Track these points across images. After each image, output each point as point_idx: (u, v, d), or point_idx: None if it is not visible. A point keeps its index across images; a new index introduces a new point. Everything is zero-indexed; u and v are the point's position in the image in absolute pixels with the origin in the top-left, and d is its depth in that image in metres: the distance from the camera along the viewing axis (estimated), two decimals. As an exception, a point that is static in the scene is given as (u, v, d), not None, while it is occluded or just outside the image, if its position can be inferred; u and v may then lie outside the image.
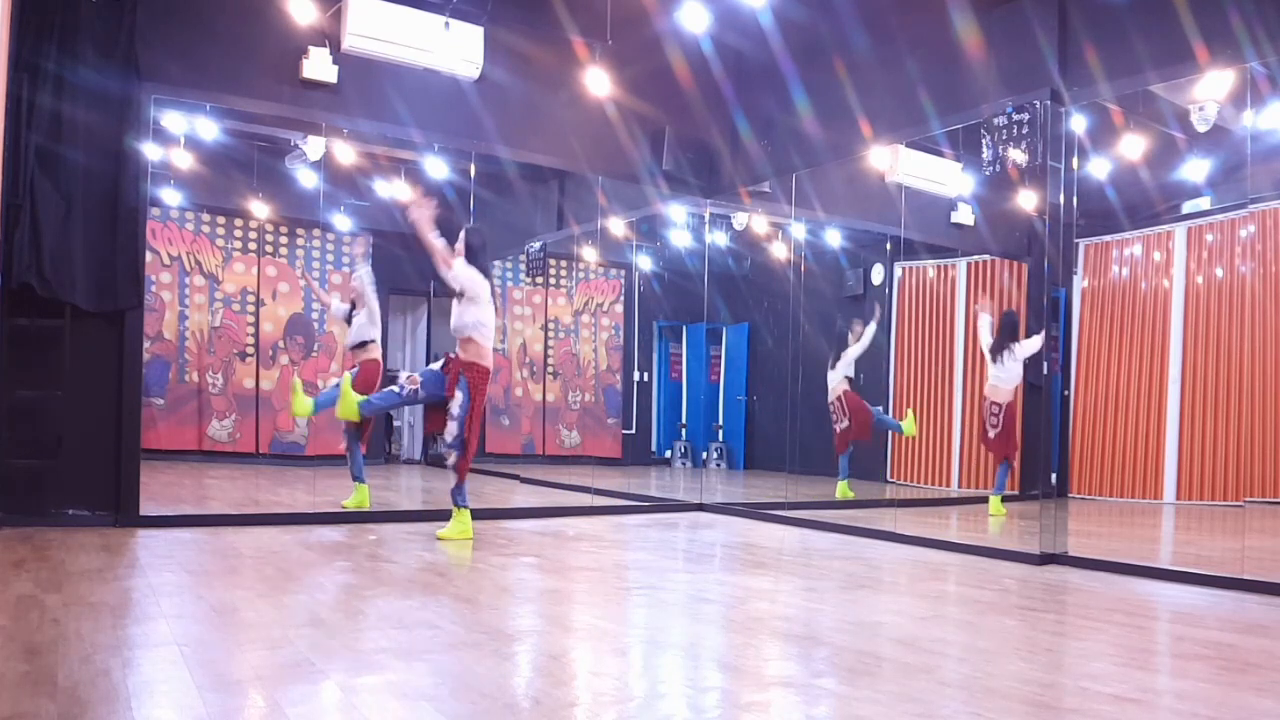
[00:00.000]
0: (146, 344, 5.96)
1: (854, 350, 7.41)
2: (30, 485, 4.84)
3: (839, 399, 7.41)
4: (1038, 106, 5.02)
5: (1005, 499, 6.43)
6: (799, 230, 7.92)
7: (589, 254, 9.10)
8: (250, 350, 7.79)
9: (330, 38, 5.59)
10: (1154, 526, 6.31)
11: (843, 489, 7.37)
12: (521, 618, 3.23)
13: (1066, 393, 5.79)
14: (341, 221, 8.27)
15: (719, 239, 8.27)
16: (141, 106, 5.06)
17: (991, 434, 6.44)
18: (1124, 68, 4.74)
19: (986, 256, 7.23)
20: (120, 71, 4.98)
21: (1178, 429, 6.22)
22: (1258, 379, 5.50)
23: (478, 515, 5.98)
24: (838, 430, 7.43)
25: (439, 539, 4.99)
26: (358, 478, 6.10)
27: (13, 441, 4.80)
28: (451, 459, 4.97)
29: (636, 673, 2.61)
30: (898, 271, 7.76)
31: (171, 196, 7.41)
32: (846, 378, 7.40)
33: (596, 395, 9.26)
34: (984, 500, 6.66)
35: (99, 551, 4.18)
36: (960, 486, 7.19)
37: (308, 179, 7.22)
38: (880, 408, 7.46)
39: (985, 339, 6.55)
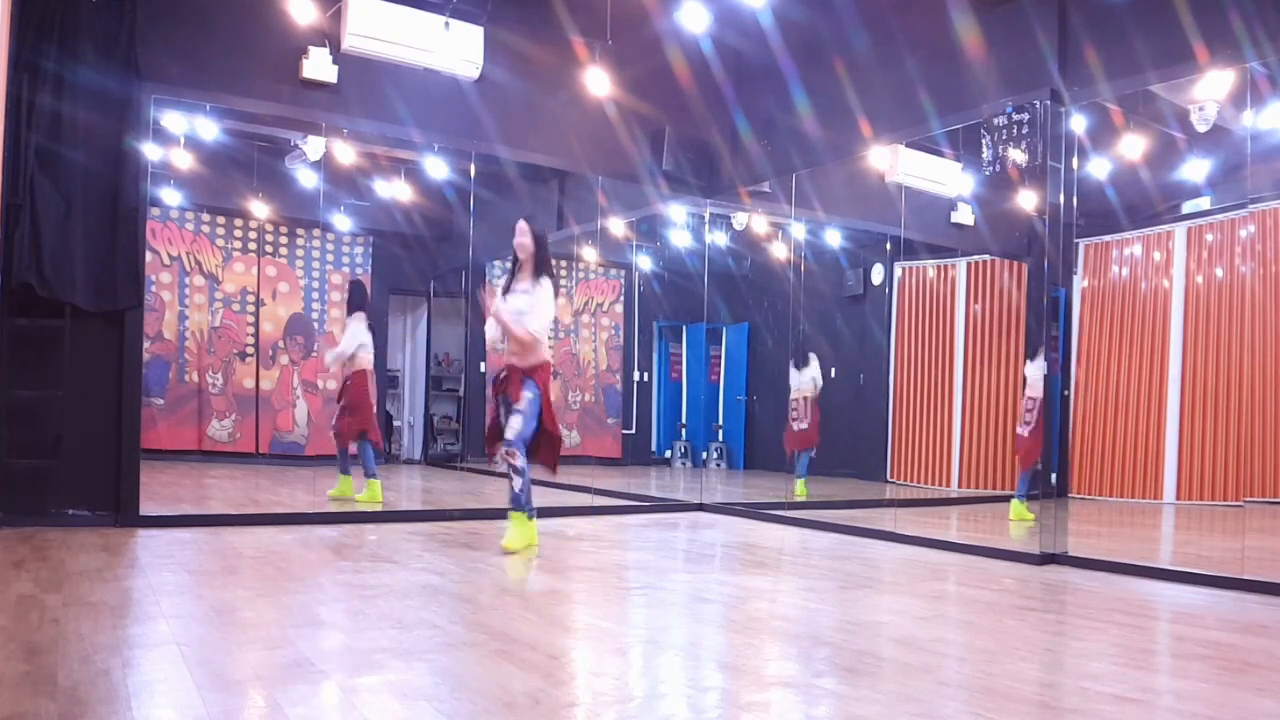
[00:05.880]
0: (146, 344, 5.96)
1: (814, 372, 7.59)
2: (30, 485, 4.84)
3: (808, 399, 7.54)
4: (1038, 106, 5.02)
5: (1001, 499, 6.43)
6: (799, 230, 7.92)
7: (589, 254, 9.10)
8: (250, 350, 7.78)
9: (330, 38, 5.59)
10: (1154, 526, 6.31)
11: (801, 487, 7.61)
12: (521, 618, 3.23)
13: (1066, 393, 5.79)
14: (341, 221, 8.27)
15: (719, 239, 8.27)
16: (141, 106, 5.06)
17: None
18: (1124, 68, 4.74)
19: (986, 256, 7.23)
20: (120, 71, 4.97)
21: (1178, 429, 6.22)
22: (1258, 379, 5.50)
23: (476, 515, 6.00)
24: (796, 429, 7.56)
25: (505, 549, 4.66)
26: (371, 474, 6.29)
27: (13, 441, 4.79)
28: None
29: (636, 673, 2.61)
30: (898, 271, 7.76)
31: (171, 196, 7.41)
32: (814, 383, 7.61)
33: (596, 395, 9.25)
34: (984, 500, 6.66)
35: (99, 551, 4.18)
36: (960, 486, 7.19)
37: (308, 179, 7.22)
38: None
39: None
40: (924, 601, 3.68)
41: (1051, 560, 4.68)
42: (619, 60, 6.52)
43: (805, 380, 7.62)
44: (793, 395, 7.65)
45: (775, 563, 4.65)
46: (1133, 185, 6.15)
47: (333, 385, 6.79)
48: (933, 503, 7.26)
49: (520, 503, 4.67)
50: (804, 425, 7.57)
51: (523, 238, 4.73)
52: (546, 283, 4.70)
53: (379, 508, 6.15)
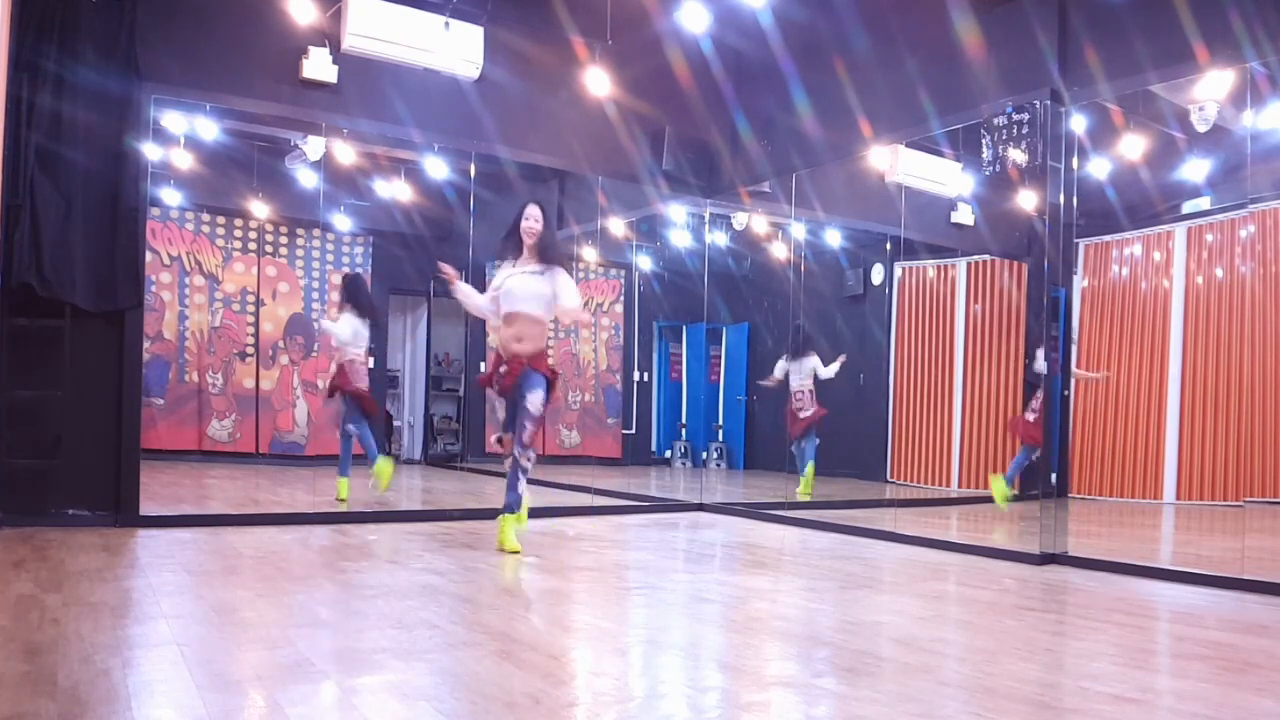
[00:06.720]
0: (146, 344, 5.96)
1: (821, 369, 7.61)
2: (30, 485, 4.84)
3: (810, 392, 7.54)
4: (1038, 106, 5.02)
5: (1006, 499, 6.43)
6: (799, 230, 7.91)
7: (589, 254, 9.09)
8: (250, 350, 7.78)
9: (330, 38, 5.59)
10: (1154, 526, 6.31)
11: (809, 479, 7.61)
12: (521, 618, 3.23)
13: (1066, 393, 5.79)
14: (341, 221, 8.27)
15: (719, 239, 8.27)
16: (141, 106, 5.06)
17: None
18: (1124, 68, 4.74)
19: (986, 256, 7.23)
20: (120, 71, 4.97)
21: (1178, 429, 6.22)
22: (1258, 379, 5.50)
23: (476, 515, 6.00)
24: (803, 417, 7.58)
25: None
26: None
27: (13, 441, 4.79)
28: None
29: (636, 673, 2.61)
30: (898, 271, 7.76)
31: (171, 196, 7.41)
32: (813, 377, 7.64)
33: (596, 395, 9.25)
34: (984, 500, 6.65)
35: (99, 551, 4.18)
36: (960, 486, 7.19)
37: (308, 179, 7.22)
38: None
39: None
40: (924, 601, 3.68)
41: (1051, 560, 4.68)
42: (619, 60, 6.52)
43: (806, 370, 7.61)
44: (794, 389, 7.65)
45: (775, 563, 4.65)
46: (1133, 185, 6.15)
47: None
48: (933, 503, 7.26)
49: (517, 506, 4.74)
50: (808, 412, 7.56)
51: (534, 224, 4.71)
52: (562, 271, 4.74)
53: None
